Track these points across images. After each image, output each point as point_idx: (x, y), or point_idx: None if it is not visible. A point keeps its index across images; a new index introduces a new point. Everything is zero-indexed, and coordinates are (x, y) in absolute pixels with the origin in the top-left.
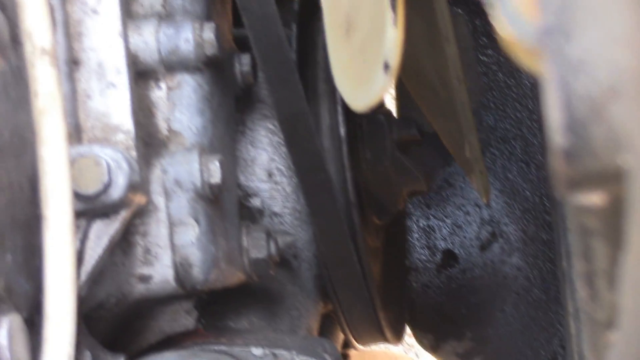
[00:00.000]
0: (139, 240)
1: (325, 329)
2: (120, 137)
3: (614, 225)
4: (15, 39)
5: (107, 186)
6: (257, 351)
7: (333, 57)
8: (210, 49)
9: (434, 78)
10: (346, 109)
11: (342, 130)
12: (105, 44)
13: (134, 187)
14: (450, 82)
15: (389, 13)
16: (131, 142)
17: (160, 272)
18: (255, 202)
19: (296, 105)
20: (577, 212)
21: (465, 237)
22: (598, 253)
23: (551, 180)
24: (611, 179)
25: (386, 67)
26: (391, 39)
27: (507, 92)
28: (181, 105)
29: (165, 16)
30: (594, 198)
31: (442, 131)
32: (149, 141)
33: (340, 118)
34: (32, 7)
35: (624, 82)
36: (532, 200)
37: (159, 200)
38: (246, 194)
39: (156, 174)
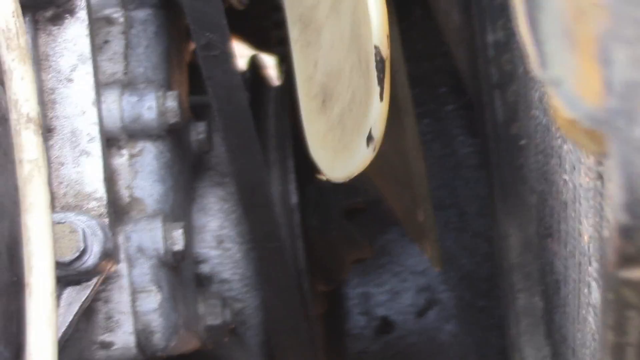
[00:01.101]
0: (101, 306)
1: None
2: (92, 204)
3: None
4: None
5: (82, 253)
6: None
7: (308, 127)
8: (173, 117)
9: (389, 148)
10: (296, 178)
11: (294, 199)
12: (79, 112)
13: (107, 254)
14: (407, 152)
15: (375, 87)
16: (104, 210)
17: (121, 338)
18: (205, 268)
19: (256, 175)
20: (619, 285)
21: (401, 304)
22: (633, 327)
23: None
24: None
25: (370, 138)
26: (377, 111)
27: (443, 161)
28: (143, 173)
29: (128, 84)
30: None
31: (393, 199)
32: (114, 208)
33: (292, 186)
34: (18, 75)
35: None
36: (468, 268)
37: (122, 267)
38: (196, 261)
39: (119, 241)
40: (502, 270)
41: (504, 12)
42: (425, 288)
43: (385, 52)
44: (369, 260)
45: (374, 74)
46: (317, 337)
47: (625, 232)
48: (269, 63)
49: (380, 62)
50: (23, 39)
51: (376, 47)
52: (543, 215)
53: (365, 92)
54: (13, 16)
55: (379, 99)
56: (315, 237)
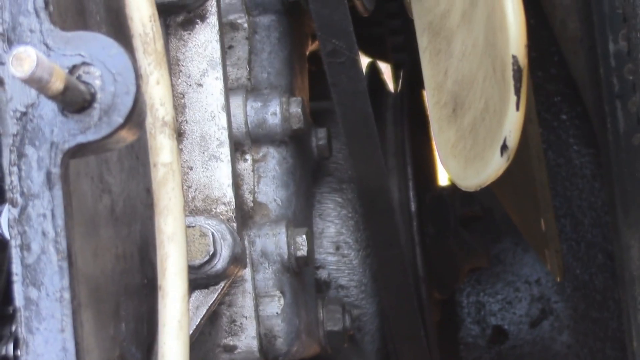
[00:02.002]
0: (224, 310)
1: None
2: (221, 208)
3: None
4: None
5: (212, 257)
6: None
7: (438, 135)
8: (297, 123)
9: (514, 161)
10: (417, 184)
11: (413, 207)
12: (209, 116)
13: (236, 258)
14: (530, 161)
15: (512, 97)
16: (232, 214)
17: (245, 342)
18: (322, 274)
19: (378, 181)
20: None
21: (515, 314)
22: None
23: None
24: None
25: (504, 148)
26: (513, 121)
27: (556, 170)
28: (266, 178)
29: (252, 89)
30: None
31: (514, 208)
32: (240, 212)
33: (411, 193)
34: (154, 79)
35: None
36: (582, 279)
37: (246, 271)
38: (316, 266)
39: (244, 246)
40: (623, 282)
41: (626, 22)
42: (539, 298)
43: (523, 61)
44: (483, 269)
45: (510, 83)
46: (434, 346)
47: None
48: (385, 70)
49: (517, 72)
50: (160, 44)
51: (514, 57)
52: None
53: (500, 101)
54: (150, 21)
55: (515, 109)
56: (432, 245)
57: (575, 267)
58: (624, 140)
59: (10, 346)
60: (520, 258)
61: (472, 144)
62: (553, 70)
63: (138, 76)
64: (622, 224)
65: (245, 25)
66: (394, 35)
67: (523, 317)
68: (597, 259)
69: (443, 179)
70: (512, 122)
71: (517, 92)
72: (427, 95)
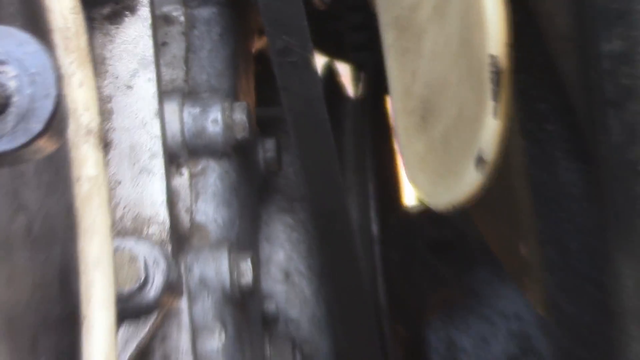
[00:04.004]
0: (157, 345)
1: None
2: (153, 229)
3: None
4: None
5: (143, 285)
6: None
7: (405, 146)
8: (241, 132)
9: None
10: (380, 204)
11: (375, 229)
12: (139, 123)
13: (170, 286)
14: (511, 178)
15: (489, 102)
16: (166, 236)
17: None
18: (270, 305)
19: (335, 200)
20: None
21: (490, 352)
22: None
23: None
24: None
25: (480, 161)
26: (490, 130)
27: (541, 188)
28: (205, 195)
29: (189, 93)
30: None
31: (492, 232)
32: (175, 234)
33: (373, 214)
34: (77, 80)
35: None
36: (568, 312)
37: (182, 301)
38: (260, 297)
39: (180, 272)
40: (613, 314)
41: (623, 18)
42: (518, 334)
43: (503, 62)
44: (455, 301)
45: (488, 87)
46: None
47: None
48: (344, 72)
49: (496, 74)
50: (83, 40)
51: (492, 57)
52: None
53: (475, 107)
54: (72, 13)
55: (492, 116)
56: (397, 273)
57: (561, 299)
58: (618, 153)
59: None
60: (497, 289)
61: (443, 157)
62: (538, 74)
63: (59, 77)
64: (613, 249)
65: (182, 18)
66: (355, 31)
67: (500, 356)
68: (585, 290)
69: (410, 197)
70: (489, 132)
71: (496, 97)
72: (393, 101)
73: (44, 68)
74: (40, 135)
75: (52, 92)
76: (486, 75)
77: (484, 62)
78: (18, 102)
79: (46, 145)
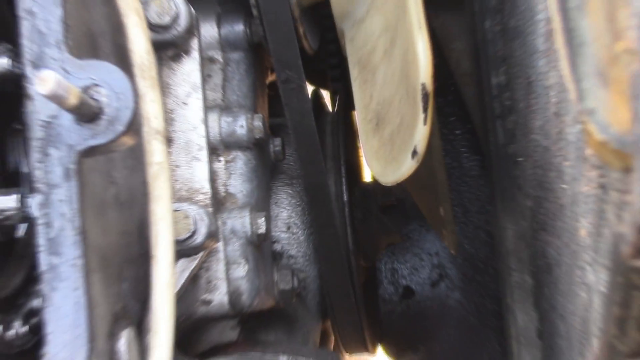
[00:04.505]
0: (203, 273)
1: (322, 341)
2: (200, 197)
3: None
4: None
5: (193, 234)
6: (283, 358)
7: (364, 144)
8: (258, 134)
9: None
10: (348, 180)
11: (345, 197)
12: (191, 127)
13: (211, 235)
14: (433, 164)
15: (421, 114)
16: (208, 201)
17: (218, 298)
18: (277, 247)
19: (319, 178)
20: (630, 272)
21: (420, 277)
22: (636, 302)
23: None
24: None
25: (414, 153)
26: (421, 133)
27: (452, 171)
28: (235, 174)
29: (225, 108)
30: None
31: (420, 199)
32: (214, 200)
33: (344, 187)
34: (149, 98)
35: None
36: (470, 252)
37: (219, 244)
38: (272, 241)
39: (217, 226)
40: (500, 254)
41: (504, 61)
42: (437, 266)
43: (430, 88)
44: (397, 244)
45: (420, 104)
46: (359, 301)
47: None
48: (325, 95)
49: (425, 96)
50: (154, 71)
51: (423, 84)
52: (538, 214)
53: (411, 118)
54: (146, 54)
55: (423, 123)
56: (359, 226)
57: (465, 243)
58: (502, 149)
59: (37, 301)
60: (424, 236)
61: (390, 150)
62: (450, 97)
63: (136, 95)
64: (499, 211)
65: (221, 59)
66: (333, 69)
67: (425, 280)
68: (481, 237)
69: (368, 176)
70: (420, 134)
71: (425, 111)
72: (357, 114)
73: (125, 89)
74: (122, 134)
75: (131, 106)
76: (419, 96)
77: (417, 88)
78: (108, 112)
79: (127, 141)
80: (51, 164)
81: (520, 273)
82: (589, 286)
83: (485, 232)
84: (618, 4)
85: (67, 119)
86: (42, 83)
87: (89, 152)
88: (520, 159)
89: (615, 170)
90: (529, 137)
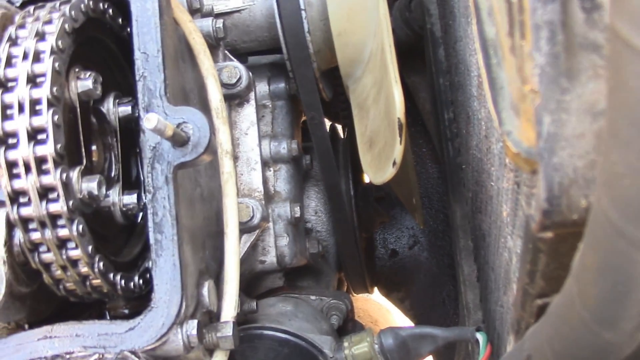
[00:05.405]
0: (259, 243)
1: (338, 286)
2: (256, 194)
3: (554, 248)
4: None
5: (251, 218)
6: (312, 297)
7: (362, 158)
8: (295, 152)
9: (400, 168)
10: (353, 181)
11: (352, 192)
12: (252, 149)
13: (263, 219)
14: (408, 170)
15: (398, 138)
16: (262, 197)
17: (270, 259)
18: (308, 225)
19: (334, 180)
20: (537, 240)
21: (402, 243)
22: (541, 261)
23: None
24: (562, 226)
25: (394, 164)
26: (398, 150)
27: (420, 175)
28: (280, 179)
29: (273, 136)
30: (548, 234)
31: (400, 192)
32: (267, 196)
33: (350, 186)
34: (222, 130)
35: (580, 177)
36: (434, 226)
37: (270, 224)
38: (305, 221)
39: (269, 212)
40: (452, 228)
41: (452, 104)
42: (413, 235)
43: (403, 120)
44: (386, 222)
45: (397, 131)
46: (362, 259)
47: (545, 214)
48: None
49: (400, 126)
50: (225, 113)
51: (399, 118)
52: (475, 201)
53: (392, 140)
54: (220, 102)
55: (399, 144)
56: (361, 211)
57: (429, 220)
58: (452, 161)
59: (149, 263)
60: (404, 217)
61: (378, 162)
62: (419, 127)
63: (212, 128)
64: (451, 200)
65: (270, 105)
66: (343, 110)
67: (405, 245)
68: (440, 217)
69: (367, 179)
70: (398, 150)
71: (400, 135)
72: (357, 138)
73: (204, 125)
74: (202, 154)
75: (207, 135)
76: (396, 126)
77: (395, 121)
78: (193, 140)
79: (206, 158)
80: (156, 173)
81: (465, 240)
82: (510, 249)
83: (443, 214)
84: (525, 59)
85: (166, 145)
86: (148, 122)
87: (181, 166)
88: (464, 166)
89: (525, 173)
90: (469, 152)
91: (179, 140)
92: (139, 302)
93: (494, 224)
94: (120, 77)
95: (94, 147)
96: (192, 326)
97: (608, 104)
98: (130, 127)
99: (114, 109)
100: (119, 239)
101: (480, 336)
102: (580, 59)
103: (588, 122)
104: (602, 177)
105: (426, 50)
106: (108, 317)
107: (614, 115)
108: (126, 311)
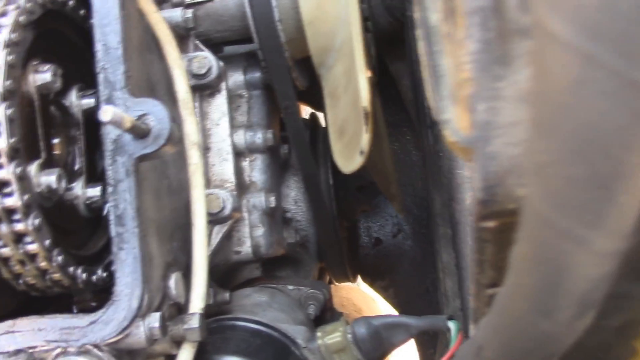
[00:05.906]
0: (235, 234)
1: (319, 276)
2: (228, 185)
3: (498, 237)
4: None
5: (222, 210)
6: (290, 287)
7: (333, 146)
8: (270, 142)
9: (376, 157)
10: (332, 170)
11: (331, 181)
12: (222, 139)
13: (235, 210)
14: (385, 159)
15: (364, 126)
16: (234, 187)
17: (245, 250)
18: (288, 215)
19: (312, 170)
20: (480, 230)
21: (385, 231)
22: (487, 251)
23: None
24: (501, 215)
25: (361, 153)
26: (365, 139)
27: (403, 162)
28: (255, 169)
29: (249, 126)
30: (490, 224)
31: (380, 181)
32: (241, 186)
33: (330, 176)
34: (189, 121)
35: (515, 166)
36: (416, 214)
37: (245, 215)
38: (284, 211)
39: (244, 202)
40: (432, 216)
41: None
42: (396, 224)
43: (369, 109)
44: (369, 211)
45: (363, 121)
46: (344, 248)
47: (482, 203)
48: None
49: (366, 115)
50: (191, 104)
51: (364, 108)
52: (449, 189)
53: (359, 129)
54: (186, 93)
55: (365, 133)
56: (341, 199)
57: (413, 208)
58: (432, 148)
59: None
60: (387, 205)
61: (348, 151)
62: (403, 115)
63: (172, 120)
64: (431, 188)
65: (246, 95)
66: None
67: (389, 233)
68: (424, 205)
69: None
70: (364, 140)
71: (367, 124)
72: (329, 128)
73: (164, 116)
74: (163, 145)
75: (167, 127)
76: (362, 115)
77: (361, 110)
78: (153, 132)
79: (168, 149)
80: (117, 166)
81: (444, 227)
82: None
83: (426, 201)
84: (460, 47)
85: (127, 137)
86: (104, 114)
87: (142, 158)
88: (441, 153)
89: (465, 162)
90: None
91: (139, 133)
92: (107, 295)
93: (463, 211)
94: (85, 70)
95: (55, 141)
96: (154, 319)
97: (531, 92)
98: (95, 121)
99: (77, 102)
100: (84, 232)
101: (452, 325)
102: (514, 46)
103: (523, 110)
104: (528, 166)
105: (406, 37)
106: (75, 311)
107: (537, 104)
108: (94, 304)
